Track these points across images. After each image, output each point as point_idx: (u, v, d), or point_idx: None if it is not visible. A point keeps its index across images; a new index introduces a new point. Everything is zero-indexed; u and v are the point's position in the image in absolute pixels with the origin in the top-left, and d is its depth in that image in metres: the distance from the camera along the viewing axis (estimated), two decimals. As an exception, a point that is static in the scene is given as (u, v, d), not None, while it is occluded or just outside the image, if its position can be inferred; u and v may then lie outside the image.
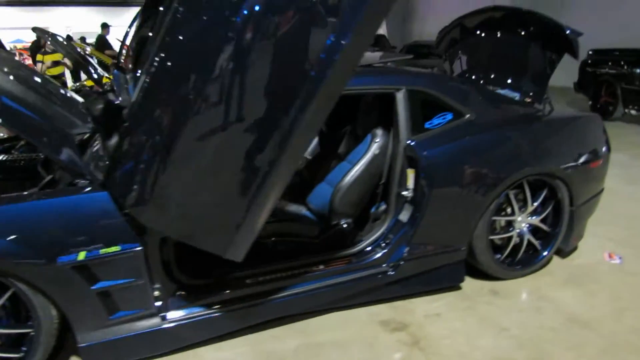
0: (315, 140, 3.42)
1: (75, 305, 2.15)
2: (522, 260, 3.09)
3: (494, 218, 2.90)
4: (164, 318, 2.34)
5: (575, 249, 3.39)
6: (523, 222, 3.02)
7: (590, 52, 8.76)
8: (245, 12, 1.70)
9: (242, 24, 1.71)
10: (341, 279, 2.66)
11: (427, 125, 2.74)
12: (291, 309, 2.60)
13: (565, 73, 5.55)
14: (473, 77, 3.59)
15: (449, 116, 2.80)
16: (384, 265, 2.73)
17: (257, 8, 1.69)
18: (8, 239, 1.98)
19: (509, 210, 2.98)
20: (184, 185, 1.96)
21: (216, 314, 2.42)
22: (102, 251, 2.09)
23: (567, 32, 2.94)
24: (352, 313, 2.73)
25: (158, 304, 2.32)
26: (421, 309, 2.78)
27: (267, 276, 2.56)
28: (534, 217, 3.04)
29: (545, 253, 3.10)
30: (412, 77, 2.83)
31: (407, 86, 2.70)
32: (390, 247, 2.73)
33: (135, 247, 2.14)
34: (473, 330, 2.59)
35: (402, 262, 2.73)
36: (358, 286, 2.69)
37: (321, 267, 2.66)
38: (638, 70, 7.74)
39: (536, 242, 3.07)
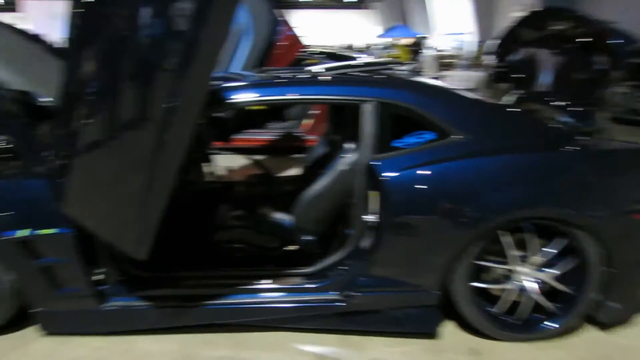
0: (318, 148, 3.31)
1: (24, 275, 2.44)
2: (527, 322, 2.49)
3: (479, 263, 2.41)
4: (103, 301, 2.50)
5: (624, 322, 2.60)
6: (527, 275, 2.44)
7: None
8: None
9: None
10: (287, 298, 2.51)
11: (396, 143, 2.42)
12: (230, 318, 2.54)
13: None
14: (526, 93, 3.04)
15: (428, 136, 2.42)
16: (335, 293, 2.48)
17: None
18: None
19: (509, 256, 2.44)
20: (92, 188, 2.13)
21: (153, 308, 2.50)
22: (42, 231, 2.34)
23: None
24: (296, 337, 2.54)
25: (101, 287, 2.50)
26: (374, 352, 2.45)
27: (212, 280, 2.55)
28: (545, 271, 2.44)
29: (555, 325, 2.47)
30: (385, 88, 2.51)
31: (377, 98, 2.43)
32: (345, 275, 2.47)
33: (68, 232, 2.33)
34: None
35: (356, 294, 2.45)
36: (304, 310, 2.50)
37: (269, 281, 2.54)
38: None
39: (549, 305, 2.45)
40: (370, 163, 2.36)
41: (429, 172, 2.32)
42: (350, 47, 20.65)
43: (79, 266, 2.39)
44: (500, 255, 2.42)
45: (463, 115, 2.46)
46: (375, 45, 24.24)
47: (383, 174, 2.32)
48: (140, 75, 1.85)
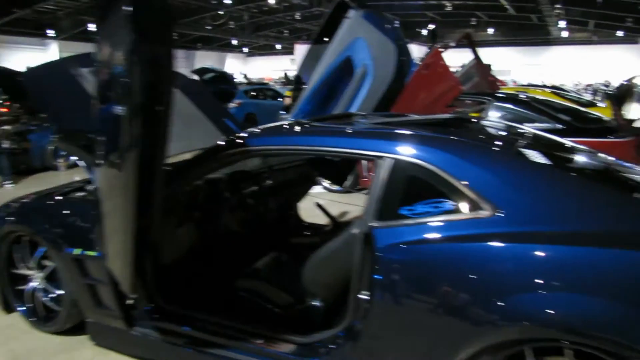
0: None
1: (77, 288, 2.73)
2: None
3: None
4: (131, 324, 2.63)
5: None
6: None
7: None
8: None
9: None
10: None
11: (405, 211, 1.95)
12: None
13: None
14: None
15: (449, 206, 1.90)
16: (321, 374, 2.13)
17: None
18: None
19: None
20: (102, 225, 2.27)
21: (167, 342, 2.53)
22: (89, 252, 2.59)
23: None
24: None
25: (133, 312, 2.63)
26: None
27: (216, 328, 2.45)
28: None
29: None
30: (406, 143, 2.06)
31: (394, 154, 2.02)
32: (333, 355, 2.10)
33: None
34: None
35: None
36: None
37: (261, 341, 2.32)
38: None
39: None
40: (371, 229, 1.97)
41: (436, 252, 1.82)
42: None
43: (112, 288, 2.55)
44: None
45: (507, 185, 1.86)
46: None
47: (379, 245, 1.91)
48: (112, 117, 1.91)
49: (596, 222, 1.75)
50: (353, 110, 4.10)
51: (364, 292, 1.98)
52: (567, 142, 2.67)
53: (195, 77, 12.62)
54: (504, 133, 2.65)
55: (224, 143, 2.47)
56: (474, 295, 1.73)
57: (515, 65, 30.66)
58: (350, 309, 2.08)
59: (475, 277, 1.74)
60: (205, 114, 3.68)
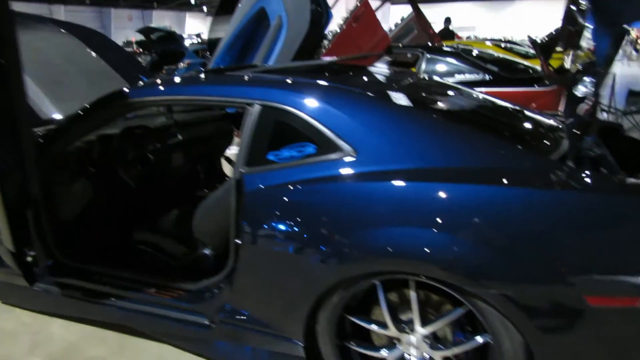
0: None
1: None
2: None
3: (352, 318, 1.87)
4: (31, 281, 2.64)
5: None
6: (417, 348, 1.80)
7: None
8: None
9: None
10: (164, 312, 2.31)
11: (271, 156, 1.99)
12: (118, 320, 2.46)
13: None
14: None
15: (311, 149, 1.94)
16: (203, 317, 2.20)
17: None
18: None
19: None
20: None
21: (66, 297, 2.56)
22: None
23: None
24: (173, 353, 2.35)
25: (34, 269, 2.63)
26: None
27: (113, 280, 2.49)
28: (439, 350, 1.77)
29: None
30: (271, 88, 2.09)
31: (260, 100, 2.04)
32: (216, 300, 2.17)
33: None
34: None
35: (221, 323, 2.14)
36: (175, 328, 2.28)
37: (153, 290, 2.38)
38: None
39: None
40: (242, 175, 2.01)
41: (294, 194, 1.87)
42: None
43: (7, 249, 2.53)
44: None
45: (364, 128, 1.90)
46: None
47: (246, 191, 1.96)
48: None
49: (445, 159, 1.81)
50: (271, 62, 4.08)
51: (238, 237, 2.03)
52: (459, 88, 2.72)
53: (141, 36, 12.23)
54: (382, 79, 2.66)
55: (104, 97, 2.44)
56: (329, 233, 1.79)
57: (479, 21, 30.60)
58: (230, 255, 2.14)
59: (329, 215, 1.81)
60: (117, 70, 3.61)
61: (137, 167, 2.93)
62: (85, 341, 2.49)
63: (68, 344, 2.48)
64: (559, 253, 1.53)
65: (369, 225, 1.73)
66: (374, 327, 1.88)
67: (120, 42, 15.99)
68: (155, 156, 3.04)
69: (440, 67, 5.75)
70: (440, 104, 2.30)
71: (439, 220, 1.64)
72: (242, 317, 2.09)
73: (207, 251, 2.45)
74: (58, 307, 2.64)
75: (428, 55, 5.75)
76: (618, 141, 2.44)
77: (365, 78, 2.56)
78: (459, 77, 5.61)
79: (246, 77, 2.31)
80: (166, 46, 11.55)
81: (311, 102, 1.98)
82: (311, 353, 2.00)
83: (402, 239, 1.67)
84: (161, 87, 2.36)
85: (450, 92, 2.54)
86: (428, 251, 1.63)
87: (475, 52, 5.98)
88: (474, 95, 2.53)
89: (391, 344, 1.89)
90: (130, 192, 2.86)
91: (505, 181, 1.66)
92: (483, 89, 5.26)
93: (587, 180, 1.67)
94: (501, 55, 6.52)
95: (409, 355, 1.84)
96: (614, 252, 1.52)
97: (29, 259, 2.50)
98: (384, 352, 1.88)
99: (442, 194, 1.69)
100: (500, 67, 5.63)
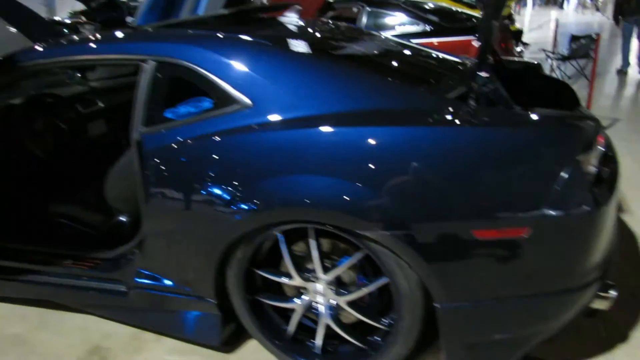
0: None
1: None
2: (328, 353, 1.88)
3: (260, 272, 1.87)
4: None
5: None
6: (322, 295, 1.82)
7: None
8: None
9: None
10: (82, 283, 2.26)
11: (168, 114, 1.93)
12: (36, 295, 2.40)
13: None
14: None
15: (207, 104, 1.89)
16: (120, 284, 2.17)
17: None
18: None
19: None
20: None
21: None
22: None
23: None
24: (94, 324, 2.32)
25: None
26: (151, 353, 2.11)
27: (29, 255, 2.41)
28: (343, 296, 1.79)
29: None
30: (164, 43, 2.00)
31: (154, 56, 1.95)
32: (130, 267, 2.13)
33: None
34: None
35: (136, 289, 2.11)
36: (94, 298, 2.24)
37: (70, 262, 2.32)
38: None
39: (352, 339, 1.81)
40: (140, 136, 1.94)
41: (191, 150, 1.82)
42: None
43: None
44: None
45: (259, 78, 1.84)
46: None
47: (145, 151, 1.90)
48: None
49: (341, 104, 1.76)
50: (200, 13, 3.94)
51: (145, 199, 1.98)
52: (371, 34, 2.67)
53: (80, 4, 11.65)
54: (287, 29, 2.57)
55: None
56: (227, 187, 1.75)
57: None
58: (141, 219, 2.09)
59: (226, 170, 1.77)
60: (22, 32, 3.41)
61: (47, 138, 2.81)
62: (5, 320, 2.42)
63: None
64: (447, 190, 1.54)
65: (265, 176, 1.70)
66: (280, 278, 1.88)
67: (66, 13, 15.23)
68: (69, 125, 2.92)
69: (381, 20, 5.66)
70: (343, 51, 2.25)
71: (330, 165, 1.62)
72: (156, 282, 2.06)
73: (123, 218, 2.40)
74: None
75: (368, 9, 5.65)
76: (537, 79, 2.47)
77: (270, 28, 2.48)
78: (400, 30, 5.55)
79: (139, 33, 2.21)
80: (108, 14, 11.04)
81: (205, 55, 1.90)
82: (227, 310, 2.01)
83: (295, 186, 1.65)
84: (52, 49, 2.24)
85: (359, 39, 2.49)
86: (321, 197, 1.62)
87: (419, 3, 5.90)
88: (385, 41, 2.49)
89: (299, 294, 1.90)
90: (44, 164, 2.75)
91: (394, 121, 1.64)
92: (423, 40, 5.26)
93: (480, 116, 1.66)
94: (444, 5, 6.46)
95: (316, 303, 1.86)
96: (503, 186, 1.53)
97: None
98: (292, 303, 1.90)
99: (332, 139, 1.66)
100: (440, 17, 5.58)
